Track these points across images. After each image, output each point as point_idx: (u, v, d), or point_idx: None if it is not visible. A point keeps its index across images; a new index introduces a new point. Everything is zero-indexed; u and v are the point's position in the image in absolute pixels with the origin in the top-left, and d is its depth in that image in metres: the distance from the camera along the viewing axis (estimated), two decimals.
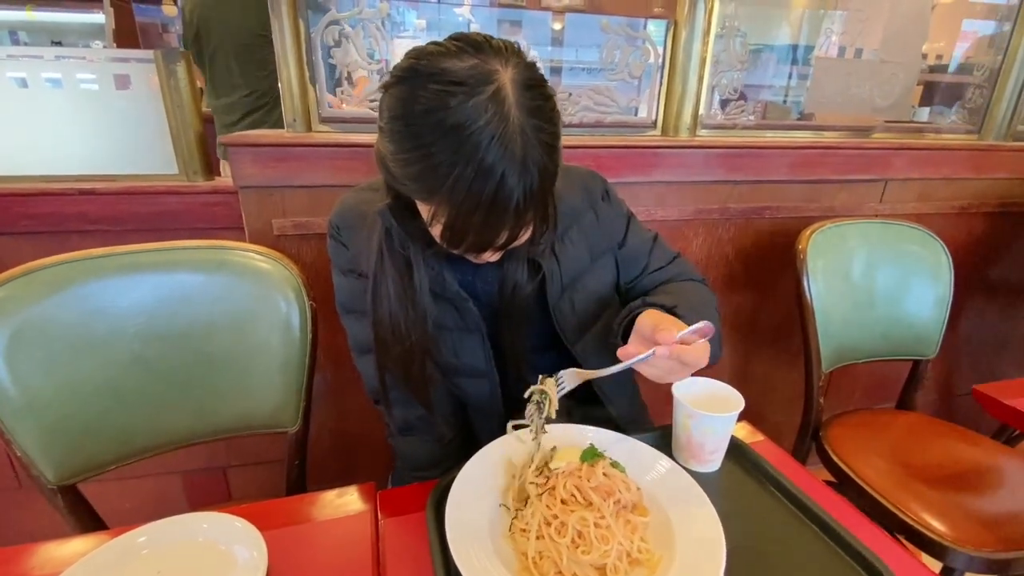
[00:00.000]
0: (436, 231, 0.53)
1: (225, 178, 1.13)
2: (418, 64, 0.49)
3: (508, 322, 0.71)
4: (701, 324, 0.53)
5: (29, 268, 0.74)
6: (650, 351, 0.52)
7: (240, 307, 0.85)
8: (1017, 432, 1.14)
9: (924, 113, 1.66)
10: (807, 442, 1.20)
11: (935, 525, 0.92)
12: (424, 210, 0.54)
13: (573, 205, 0.74)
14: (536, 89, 0.50)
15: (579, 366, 0.73)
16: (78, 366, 0.76)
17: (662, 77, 1.23)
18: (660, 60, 1.22)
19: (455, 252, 0.56)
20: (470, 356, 0.71)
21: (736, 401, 0.58)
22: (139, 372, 0.81)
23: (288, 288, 0.85)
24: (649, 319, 0.57)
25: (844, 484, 1.07)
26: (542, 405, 0.55)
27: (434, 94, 0.47)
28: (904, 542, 0.98)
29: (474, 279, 0.71)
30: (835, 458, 1.09)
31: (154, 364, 0.81)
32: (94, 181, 1.08)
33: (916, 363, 1.27)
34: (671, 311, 0.61)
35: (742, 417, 0.69)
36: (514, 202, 0.48)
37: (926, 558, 0.95)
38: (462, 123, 0.46)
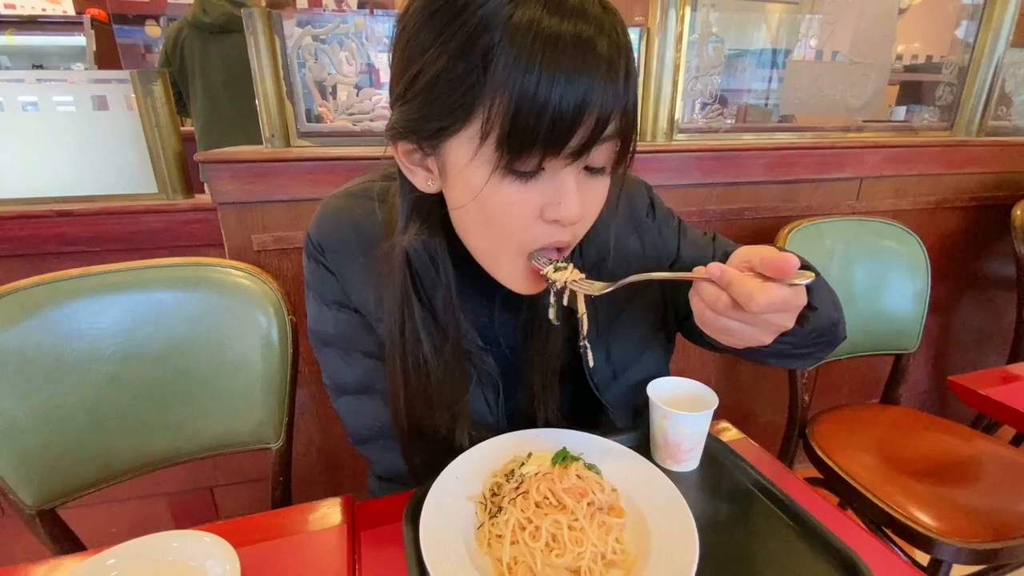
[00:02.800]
0: (488, 150, 0.41)
1: (205, 196, 1.14)
2: None
3: (532, 376, 0.62)
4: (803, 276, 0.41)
5: (2, 291, 0.73)
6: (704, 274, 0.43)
7: (219, 324, 0.84)
8: (994, 421, 1.15)
9: (901, 112, 1.69)
10: (794, 440, 1.20)
11: (922, 518, 0.92)
12: (465, 147, 0.43)
13: (614, 227, 0.63)
14: None
15: (607, 415, 0.66)
16: (55, 388, 0.76)
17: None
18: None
19: (519, 166, 0.42)
20: (479, 411, 0.63)
21: (711, 399, 0.59)
22: (117, 393, 0.80)
23: (267, 303, 0.85)
24: (745, 249, 0.45)
25: (831, 480, 1.07)
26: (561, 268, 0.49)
27: None
28: (892, 536, 0.98)
29: (491, 322, 0.62)
30: (821, 455, 1.10)
31: (132, 384, 0.81)
32: (72, 202, 1.08)
33: (898, 357, 1.29)
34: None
35: (729, 417, 0.68)
36: (603, 44, 0.38)
37: (912, 551, 0.95)
38: None
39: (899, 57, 1.68)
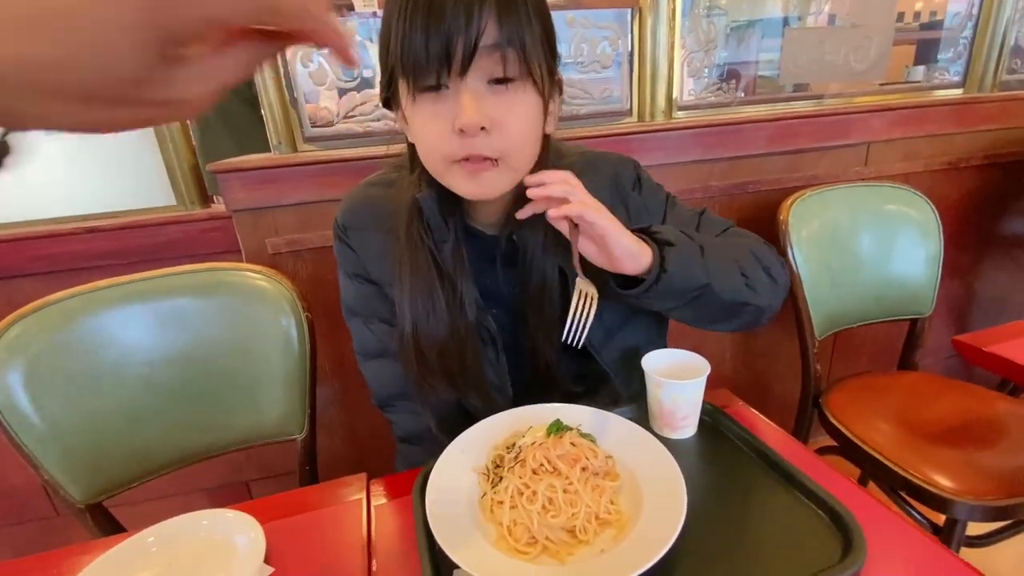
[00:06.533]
0: (404, 83, 0.53)
1: (221, 205, 1.19)
2: None
3: (532, 331, 0.68)
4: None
5: (39, 304, 0.79)
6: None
7: (239, 324, 0.89)
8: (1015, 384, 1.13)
9: (919, 72, 1.64)
10: (809, 410, 1.21)
11: (938, 480, 0.92)
12: (400, 88, 0.55)
13: (599, 199, 0.68)
14: None
15: (604, 374, 0.72)
16: (93, 392, 0.81)
17: (632, 64, 1.26)
18: (628, 48, 1.24)
19: (421, 83, 0.52)
20: (483, 368, 0.68)
21: (703, 367, 0.61)
22: (150, 393, 0.86)
23: (284, 303, 0.89)
24: None
25: (846, 448, 1.07)
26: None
27: None
28: (908, 499, 0.99)
29: (490, 283, 0.68)
30: (835, 423, 1.10)
31: (163, 385, 0.86)
32: (99, 219, 1.14)
33: (914, 322, 1.27)
34: (648, 231, 0.60)
35: (745, 391, 0.69)
36: None
37: (930, 513, 0.96)
38: None
39: (917, 15, 1.63)
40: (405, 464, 0.83)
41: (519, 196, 0.63)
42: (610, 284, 0.61)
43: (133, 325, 0.85)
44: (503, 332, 0.68)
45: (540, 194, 0.56)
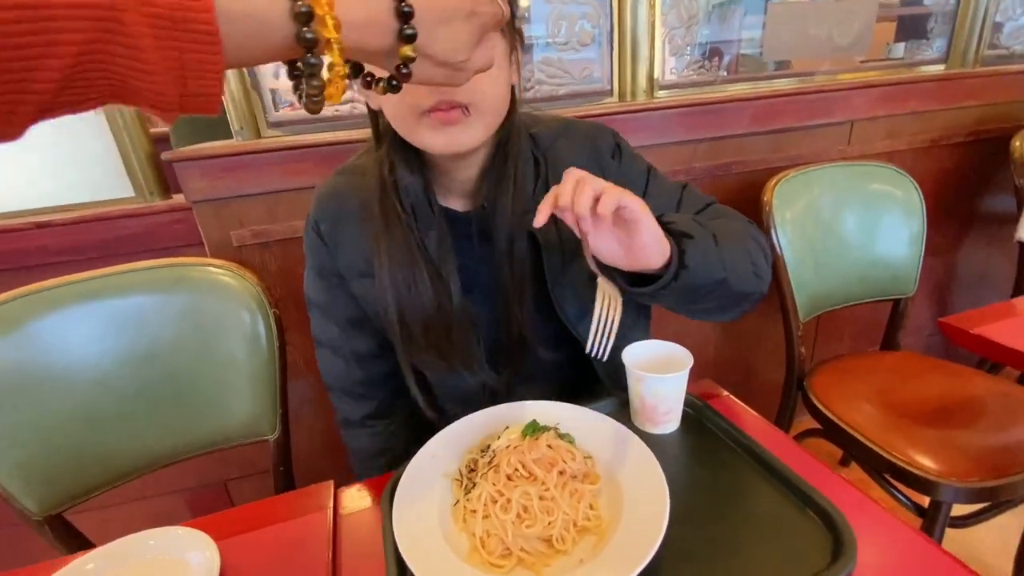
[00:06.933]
0: None
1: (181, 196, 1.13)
2: None
3: (507, 304, 0.66)
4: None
5: None
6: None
7: (202, 323, 0.85)
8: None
9: (899, 49, 1.62)
10: (793, 393, 1.20)
11: (921, 462, 0.92)
12: None
13: (576, 164, 0.64)
14: None
15: (581, 349, 0.68)
16: (45, 398, 0.77)
17: (612, 43, 1.21)
18: (608, 26, 1.20)
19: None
20: (459, 350, 0.67)
21: (686, 360, 0.58)
22: (109, 397, 0.81)
23: (249, 299, 0.85)
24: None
25: (830, 431, 1.07)
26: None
27: None
28: (893, 481, 0.98)
29: (467, 262, 0.66)
30: (819, 405, 1.09)
31: (123, 388, 0.82)
32: (51, 213, 1.07)
33: (896, 302, 1.27)
34: (660, 221, 0.54)
35: (730, 375, 0.67)
36: None
37: (914, 495, 0.95)
38: None
39: None
40: (354, 454, 0.86)
41: (490, 160, 0.62)
42: (617, 281, 0.56)
43: (87, 327, 0.80)
44: (483, 314, 0.68)
45: (579, 203, 0.48)
